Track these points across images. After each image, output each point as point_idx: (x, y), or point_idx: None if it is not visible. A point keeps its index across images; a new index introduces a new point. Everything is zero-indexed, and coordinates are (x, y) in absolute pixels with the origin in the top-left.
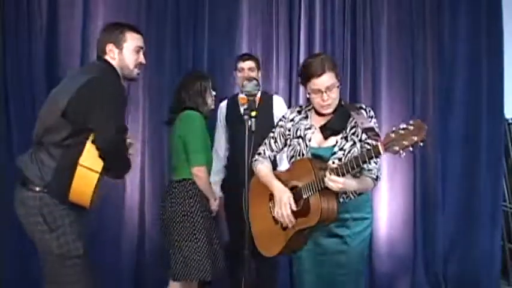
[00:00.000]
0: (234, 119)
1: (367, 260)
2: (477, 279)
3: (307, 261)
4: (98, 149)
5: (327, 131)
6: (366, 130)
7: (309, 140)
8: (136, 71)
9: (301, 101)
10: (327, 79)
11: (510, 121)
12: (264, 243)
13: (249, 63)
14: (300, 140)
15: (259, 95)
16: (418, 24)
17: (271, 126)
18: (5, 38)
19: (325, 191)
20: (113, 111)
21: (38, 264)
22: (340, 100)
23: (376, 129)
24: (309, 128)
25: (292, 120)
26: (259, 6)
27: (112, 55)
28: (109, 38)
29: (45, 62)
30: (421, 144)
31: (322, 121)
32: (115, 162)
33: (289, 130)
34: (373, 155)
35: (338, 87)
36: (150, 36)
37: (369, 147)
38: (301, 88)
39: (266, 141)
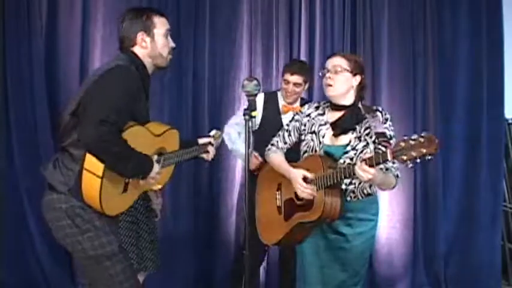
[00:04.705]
0: (269, 115)
1: (368, 261)
2: (477, 279)
3: (311, 255)
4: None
5: (337, 128)
6: (377, 135)
7: (323, 136)
8: (169, 56)
9: None
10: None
11: (510, 121)
12: (266, 231)
13: (296, 78)
14: (314, 135)
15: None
16: (418, 23)
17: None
18: (5, 38)
19: (331, 189)
20: (107, 104)
21: (38, 265)
22: (356, 101)
23: (389, 133)
24: (324, 124)
25: (308, 115)
26: (259, 6)
27: (144, 44)
28: (138, 26)
29: (45, 62)
30: (429, 157)
31: (335, 118)
32: (108, 161)
33: (305, 125)
34: (380, 160)
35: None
36: None
37: (379, 151)
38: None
39: (280, 133)
